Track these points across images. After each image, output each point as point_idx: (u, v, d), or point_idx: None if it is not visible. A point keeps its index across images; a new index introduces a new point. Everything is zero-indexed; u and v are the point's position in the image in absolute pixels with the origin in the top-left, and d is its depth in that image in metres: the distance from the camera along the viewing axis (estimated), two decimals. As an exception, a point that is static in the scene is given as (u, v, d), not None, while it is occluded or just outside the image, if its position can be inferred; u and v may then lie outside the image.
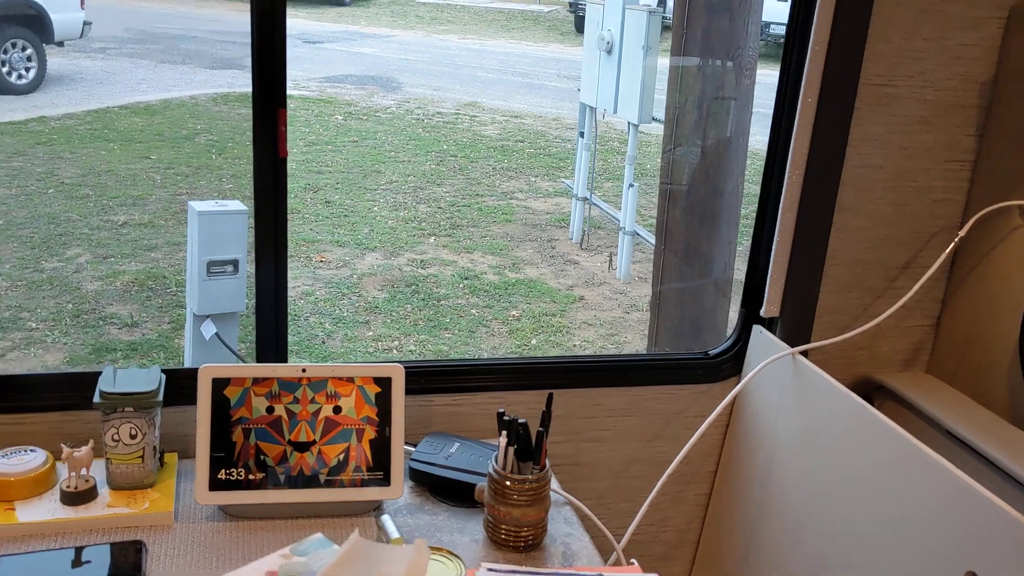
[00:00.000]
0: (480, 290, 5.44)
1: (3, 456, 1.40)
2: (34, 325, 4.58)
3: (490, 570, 1.30)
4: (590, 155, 6.24)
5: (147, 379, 1.40)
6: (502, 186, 7.23)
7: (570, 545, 1.42)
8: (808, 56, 1.60)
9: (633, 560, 1.36)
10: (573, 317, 5.21)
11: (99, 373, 1.45)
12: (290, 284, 5.25)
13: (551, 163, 7.87)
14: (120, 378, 1.39)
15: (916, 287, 1.69)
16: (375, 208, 6.55)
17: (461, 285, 5.48)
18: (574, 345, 4.91)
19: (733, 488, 1.82)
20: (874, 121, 1.68)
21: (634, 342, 4.97)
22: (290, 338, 4.76)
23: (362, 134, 8.16)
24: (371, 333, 4.88)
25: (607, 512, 1.81)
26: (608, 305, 5.38)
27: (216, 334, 3.79)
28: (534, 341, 4.92)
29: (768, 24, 9.63)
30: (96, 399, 1.36)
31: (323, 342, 4.72)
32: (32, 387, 1.54)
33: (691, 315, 3.26)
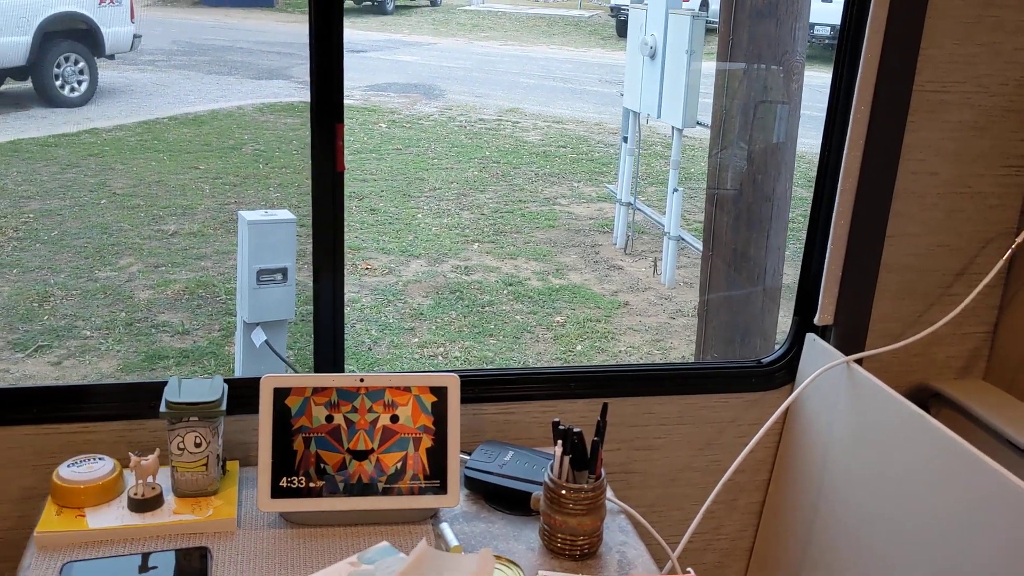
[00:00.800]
0: (524, 296, 5.46)
1: (73, 464, 1.44)
2: (89, 333, 4.69)
3: (547, 578, 1.32)
4: (634, 160, 6.23)
5: (211, 389, 1.44)
6: (545, 192, 7.25)
7: (625, 553, 1.43)
8: (860, 64, 1.59)
9: (689, 569, 1.36)
10: (618, 323, 5.21)
11: (162, 383, 1.49)
12: (337, 291, 5.34)
13: (593, 168, 7.88)
14: (185, 388, 1.43)
15: (973, 294, 1.67)
16: (419, 215, 6.60)
17: (505, 291, 5.50)
18: (619, 351, 4.90)
19: (787, 496, 1.82)
20: (927, 127, 1.67)
21: (680, 347, 4.95)
22: (337, 345, 4.83)
23: (405, 142, 8.23)
24: (417, 340, 4.92)
25: (659, 520, 1.81)
26: (653, 310, 5.37)
27: (266, 341, 3.85)
28: (579, 347, 4.92)
29: (812, 25, 9.54)
30: (163, 409, 1.40)
31: (369, 349, 4.77)
32: (98, 397, 1.59)
33: (740, 321, 3.25)
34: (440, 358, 4.77)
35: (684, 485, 1.85)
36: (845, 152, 1.64)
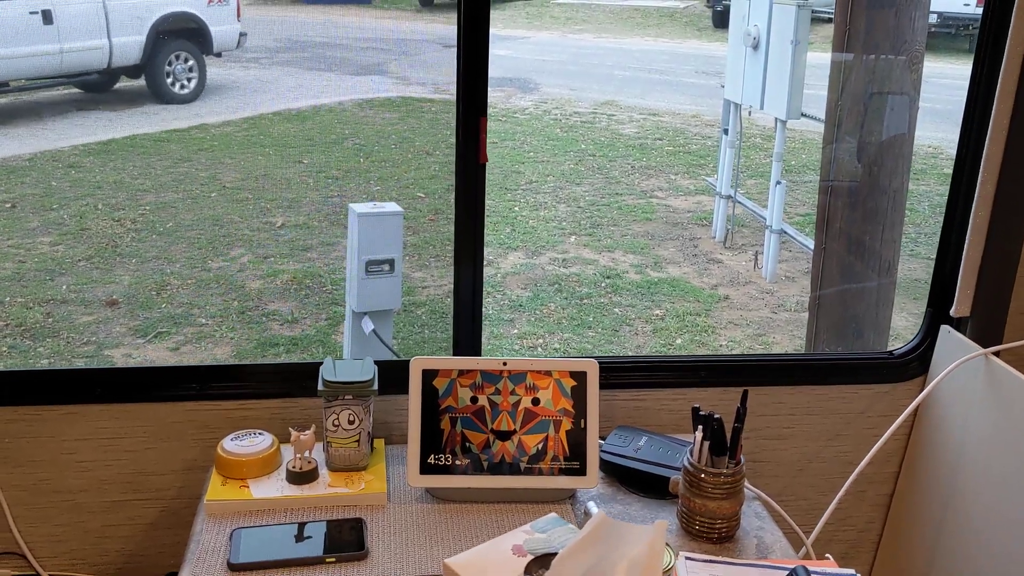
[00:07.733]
0: (622, 289, 5.47)
1: (236, 438, 1.54)
2: (204, 321, 4.88)
3: (688, 559, 1.35)
4: (734, 152, 6.17)
5: (363, 369, 1.51)
6: (641, 184, 7.23)
7: (763, 538, 1.45)
8: (1005, 55, 1.57)
9: (828, 555, 1.38)
10: (718, 317, 5.17)
11: (313, 364, 1.58)
12: (437, 283, 5.44)
13: (691, 160, 7.82)
14: (339, 368, 1.51)
15: None
16: (516, 208, 6.66)
17: (603, 284, 5.52)
18: (720, 345, 4.87)
19: (918, 490, 1.81)
20: None
21: (783, 343, 4.89)
22: (438, 335, 4.92)
23: (501, 135, 8.30)
24: (516, 331, 4.97)
25: (787, 509, 1.82)
26: (754, 305, 5.31)
27: (373, 330, 3.96)
28: (679, 341, 4.91)
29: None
30: (320, 387, 1.48)
31: (471, 339, 4.83)
32: (254, 376, 1.68)
33: (853, 315, 3.20)
34: (540, 349, 4.81)
35: (811, 475, 1.86)
36: (987, 142, 1.62)
